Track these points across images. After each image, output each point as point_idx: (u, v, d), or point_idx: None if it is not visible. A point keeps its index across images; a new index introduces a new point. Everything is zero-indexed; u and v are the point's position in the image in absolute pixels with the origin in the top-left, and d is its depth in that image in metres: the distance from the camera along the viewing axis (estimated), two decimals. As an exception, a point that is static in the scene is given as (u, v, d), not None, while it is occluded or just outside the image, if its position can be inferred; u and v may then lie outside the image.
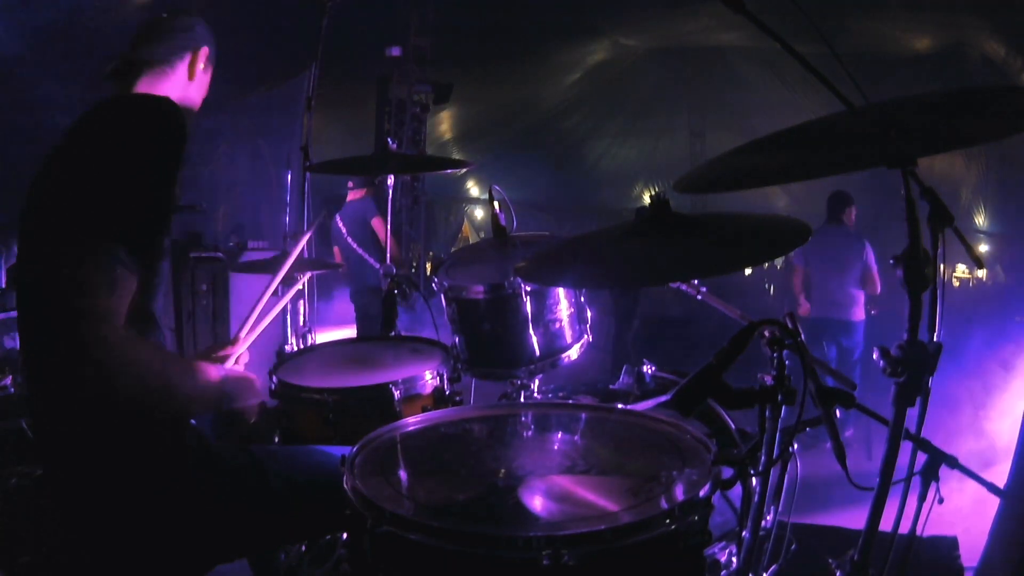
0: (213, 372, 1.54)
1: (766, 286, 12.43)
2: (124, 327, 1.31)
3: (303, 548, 2.11)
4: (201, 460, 1.53)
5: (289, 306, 3.13)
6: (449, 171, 3.26)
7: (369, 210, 5.89)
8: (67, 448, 1.41)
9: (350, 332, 6.13)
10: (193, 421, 1.57)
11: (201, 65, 1.78)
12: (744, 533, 1.37)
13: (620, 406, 1.73)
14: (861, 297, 5.58)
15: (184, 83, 1.75)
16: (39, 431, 1.50)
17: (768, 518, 1.51)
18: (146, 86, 1.68)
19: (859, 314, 5.59)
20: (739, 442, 1.89)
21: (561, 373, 2.28)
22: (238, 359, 1.85)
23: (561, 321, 2.22)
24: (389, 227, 3.16)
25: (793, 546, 1.60)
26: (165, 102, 1.50)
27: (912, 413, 1.29)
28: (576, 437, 1.58)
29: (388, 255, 2.98)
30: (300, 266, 3.24)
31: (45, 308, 1.34)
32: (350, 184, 6.00)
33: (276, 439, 2.20)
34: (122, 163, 1.37)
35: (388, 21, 9.63)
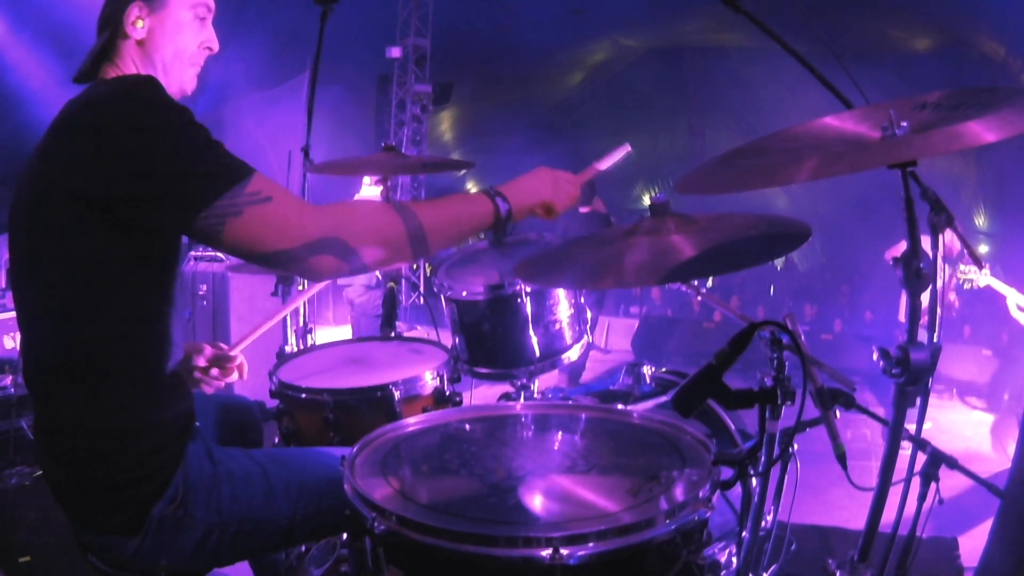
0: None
1: (766, 286, 12.43)
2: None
3: (303, 548, 2.11)
4: (203, 463, 1.53)
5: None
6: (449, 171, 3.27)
7: None
8: (69, 450, 1.41)
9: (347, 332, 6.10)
10: (198, 424, 1.57)
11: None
12: (744, 533, 1.37)
13: (620, 406, 1.72)
14: None
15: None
16: (40, 431, 1.49)
17: (768, 518, 1.51)
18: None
19: None
20: (739, 442, 1.89)
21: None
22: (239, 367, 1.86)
23: (561, 322, 2.22)
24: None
25: (793, 546, 1.60)
26: (119, 80, 1.41)
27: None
28: (576, 437, 1.58)
29: None
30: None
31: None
32: (368, 180, 5.94)
33: (276, 440, 2.20)
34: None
35: (388, 21, 9.64)
